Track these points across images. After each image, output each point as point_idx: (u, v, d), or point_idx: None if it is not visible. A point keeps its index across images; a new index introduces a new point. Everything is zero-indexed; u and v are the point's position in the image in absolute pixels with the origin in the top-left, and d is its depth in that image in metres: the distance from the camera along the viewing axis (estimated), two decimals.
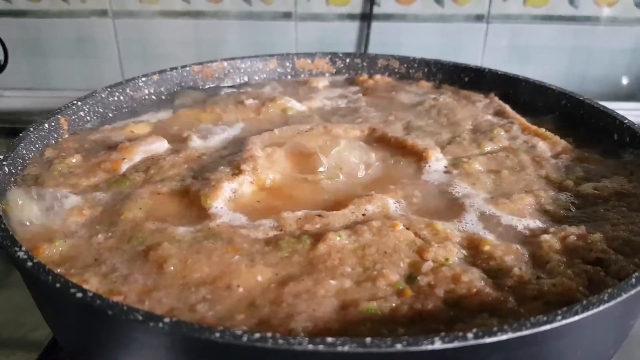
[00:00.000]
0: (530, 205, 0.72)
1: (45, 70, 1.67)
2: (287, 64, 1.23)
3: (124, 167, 0.81)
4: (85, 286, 0.55)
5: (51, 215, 0.69)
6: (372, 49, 1.60)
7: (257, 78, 1.21)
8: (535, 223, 0.69)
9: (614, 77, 1.67)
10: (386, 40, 1.61)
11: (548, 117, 1.00)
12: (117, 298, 0.55)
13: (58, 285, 0.50)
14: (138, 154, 0.84)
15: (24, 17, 1.59)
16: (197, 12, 1.61)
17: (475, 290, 0.55)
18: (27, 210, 0.69)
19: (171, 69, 1.12)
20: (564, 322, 0.46)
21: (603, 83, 1.67)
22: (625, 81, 1.66)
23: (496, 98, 1.07)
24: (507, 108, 1.02)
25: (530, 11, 1.58)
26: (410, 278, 0.58)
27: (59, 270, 0.59)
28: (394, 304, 0.54)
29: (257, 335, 0.43)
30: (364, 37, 1.61)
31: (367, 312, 0.53)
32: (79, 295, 0.49)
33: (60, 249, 0.63)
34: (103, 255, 0.62)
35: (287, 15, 1.60)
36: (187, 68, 1.14)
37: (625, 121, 0.87)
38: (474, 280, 0.57)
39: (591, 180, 0.78)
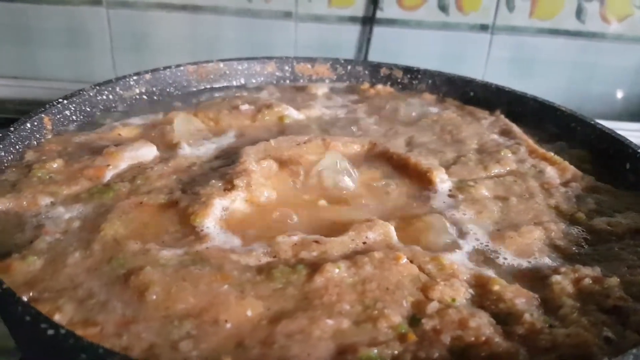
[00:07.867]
0: (540, 240, 0.68)
1: (33, 59, 1.60)
2: (286, 67, 1.18)
3: (108, 175, 0.76)
4: (58, 315, 0.51)
5: (26, 228, 0.64)
6: (373, 54, 1.55)
7: (254, 81, 1.16)
8: (545, 261, 0.65)
9: (616, 95, 1.64)
10: (388, 45, 1.56)
11: (556, 139, 0.96)
12: (92, 330, 0.50)
13: (28, 318, 0.45)
14: (124, 161, 0.79)
15: (12, 1, 1.52)
16: (195, 6, 1.55)
17: (484, 338, 0.51)
18: None
19: (164, 68, 1.07)
20: None
21: (605, 100, 1.64)
22: (626, 100, 1.63)
23: (502, 116, 1.02)
24: (514, 127, 0.98)
25: (536, 24, 1.55)
26: (414, 320, 0.53)
27: (31, 293, 0.54)
28: (396, 351, 0.49)
29: None
30: (365, 42, 1.56)
31: (366, 359, 0.49)
32: (51, 332, 0.44)
33: (34, 266, 0.58)
34: (80, 277, 0.57)
35: (287, 15, 1.54)
36: (182, 68, 1.09)
37: (639, 150, 0.83)
38: (483, 326, 0.52)
39: (603, 213, 0.74)
